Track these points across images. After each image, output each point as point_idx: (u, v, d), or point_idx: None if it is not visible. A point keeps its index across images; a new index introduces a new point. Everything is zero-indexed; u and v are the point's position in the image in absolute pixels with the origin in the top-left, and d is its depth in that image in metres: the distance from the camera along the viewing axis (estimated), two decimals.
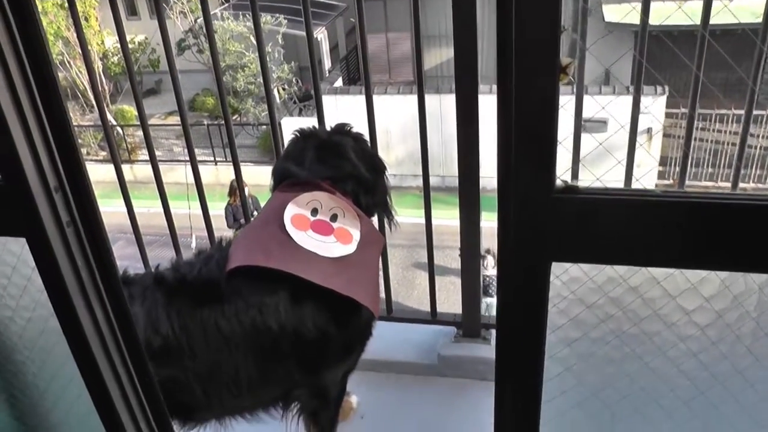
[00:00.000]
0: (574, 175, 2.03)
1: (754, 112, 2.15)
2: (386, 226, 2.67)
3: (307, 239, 2.18)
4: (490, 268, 9.29)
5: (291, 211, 2.22)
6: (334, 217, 2.25)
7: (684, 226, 1.18)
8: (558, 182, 1.17)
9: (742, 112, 2.18)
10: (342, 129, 2.50)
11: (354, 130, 2.53)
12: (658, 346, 1.35)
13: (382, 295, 3.00)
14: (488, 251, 8.81)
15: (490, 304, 8.36)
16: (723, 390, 1.38)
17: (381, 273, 2.84)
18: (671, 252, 1.22)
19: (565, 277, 1.31)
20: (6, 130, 1.31)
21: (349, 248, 2.24)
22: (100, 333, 1.56)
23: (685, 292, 1.27)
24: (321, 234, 2.21)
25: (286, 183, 2.34)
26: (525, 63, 1.07)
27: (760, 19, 1.90)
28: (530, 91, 1.09)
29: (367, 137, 2.60)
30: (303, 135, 2.49)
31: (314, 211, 2.24)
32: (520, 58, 1.07)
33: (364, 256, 2.29)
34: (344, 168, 2.38)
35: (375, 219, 2.61)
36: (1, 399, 1.98)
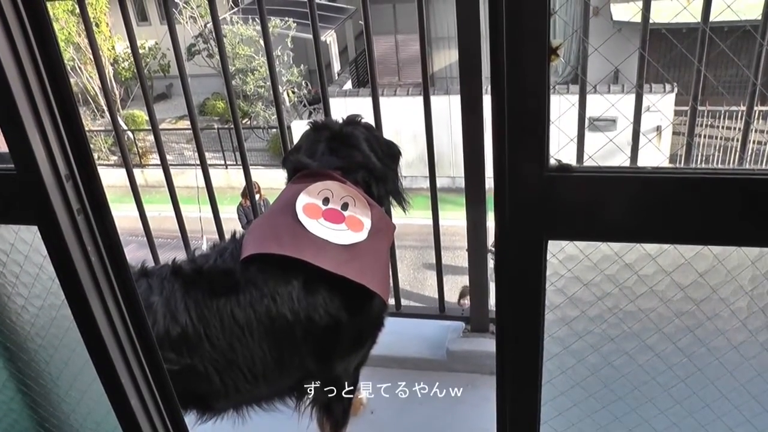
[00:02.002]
0: (579, 162, 2.05)
1: (763, 108, 2.16)
2: (403, 211, 2.70)
3: (319, 227, 2.22)
4: None
5: (303, 200, 2.26)
6: (345, 206, 2.29)
7: (676, 201, 1.20)
8: (552, 161, 1.20)
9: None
10: (353, 120, 2.55)
11: (365, 120, 2.57)
12: (654, 323, 1.37)
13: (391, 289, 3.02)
14: None
15: None
16: (719, 366, 1.40)
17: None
18: (664, 228, 1.24)
19: (561, 256, 1.33)
20: (19, 122, 1.35)
21: (360, 236, 2.27)
22: (111, 320, 1.59)
23: (679, 267, 1.29)
24: (332, 222, 2.25)
25: (299, 175, 2.39)
26: (516, 44, 1.10)
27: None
28: (522, 71, 1.11)
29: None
30: (315, 127, 2.55)
31: (326, 200, 2.28)
32: (511, 40, 1.09)
33: (375, 245, 2.33)
34: (355, 158, 2.42)
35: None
36: (15, 388, 2.02)
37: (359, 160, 2.42)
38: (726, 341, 1.36)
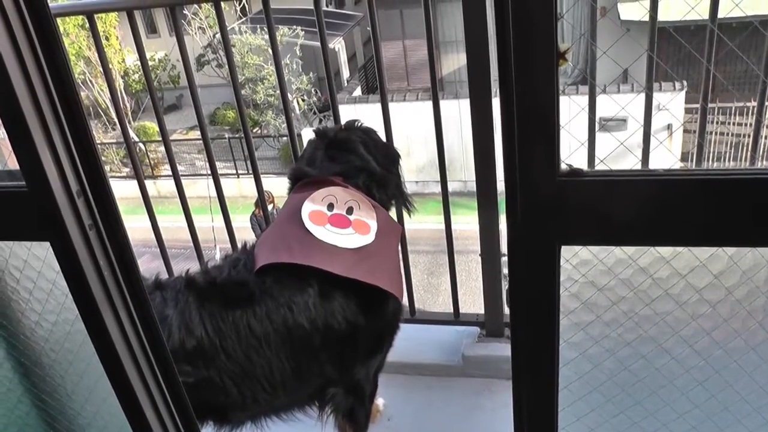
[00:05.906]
0: (590, 165, 2.03)
1: None
2: (405, 213, 2.72)
3: (326, 233, 2.23)
4: None
5: (308, 208, 2.27)
6: (350, 210, 2.30)
7: (689, 203, 1.19)
8: (563, 166, 1.19)
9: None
10: (351, 125, 2.56)
11: (364, 124, 2.58)
12: (671, 326, 1.36)
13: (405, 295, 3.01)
14: None
15: None
16: (737, 368, 1.38)
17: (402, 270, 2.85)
18: (678, 230, 1.23)
19: (575, 261, 1.32)
20: (29, 139, 1.36)
21: (368, 238, 2.28)
22: (125, 334, 1.59)
23: (694, 270, 1.28)
24: (339, 227, 2.26)
25: (301, 183, 2.40)
26: (523, 49, 1.09)
27: None
28: (530, 76, 1.11)
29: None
30: (317, 134, 2.57)
31: (330, 206, 2.29)
32: (519, 45, 1.09)
33: (383, 245, 2.33)
34: (353, 163, 2.44)
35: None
36: (30, 402, 2.02)
37: (358, 165, 2.43)
38: (743, 343, 1.34)
